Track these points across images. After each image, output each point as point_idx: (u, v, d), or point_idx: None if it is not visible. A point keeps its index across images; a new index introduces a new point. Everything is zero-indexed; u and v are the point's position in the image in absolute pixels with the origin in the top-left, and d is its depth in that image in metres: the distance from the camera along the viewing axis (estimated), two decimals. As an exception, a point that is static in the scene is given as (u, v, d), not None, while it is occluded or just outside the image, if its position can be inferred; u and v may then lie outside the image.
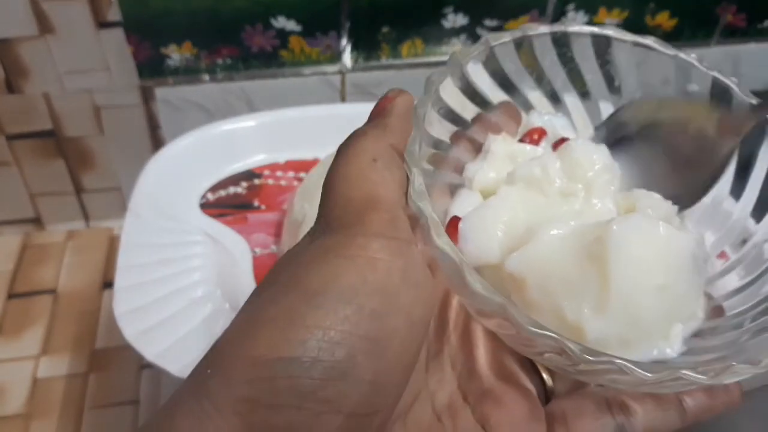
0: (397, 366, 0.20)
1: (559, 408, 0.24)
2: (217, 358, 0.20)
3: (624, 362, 0.20)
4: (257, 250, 0.51)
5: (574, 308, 0.23)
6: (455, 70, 0.26)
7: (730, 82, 0.27)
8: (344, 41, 0.61)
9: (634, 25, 0.66)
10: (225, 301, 0.45)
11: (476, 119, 0.28)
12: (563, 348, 0.20)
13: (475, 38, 0.64)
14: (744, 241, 0.28)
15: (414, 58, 0.64)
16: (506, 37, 0.27)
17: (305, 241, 0.22)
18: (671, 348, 0.24)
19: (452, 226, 0.24)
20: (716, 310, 0.26)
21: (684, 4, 0.66)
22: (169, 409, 0.20)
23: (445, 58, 0.67)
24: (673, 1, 0.65)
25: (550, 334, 0.20)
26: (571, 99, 0.30)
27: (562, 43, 0.28)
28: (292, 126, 0.58)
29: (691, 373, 0.20)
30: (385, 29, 0.61)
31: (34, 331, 0.60)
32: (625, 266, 0.23)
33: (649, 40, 0.28)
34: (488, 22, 0.63)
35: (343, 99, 0.65)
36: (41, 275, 0.65)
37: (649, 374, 0.20)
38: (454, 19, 0.62)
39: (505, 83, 0.28)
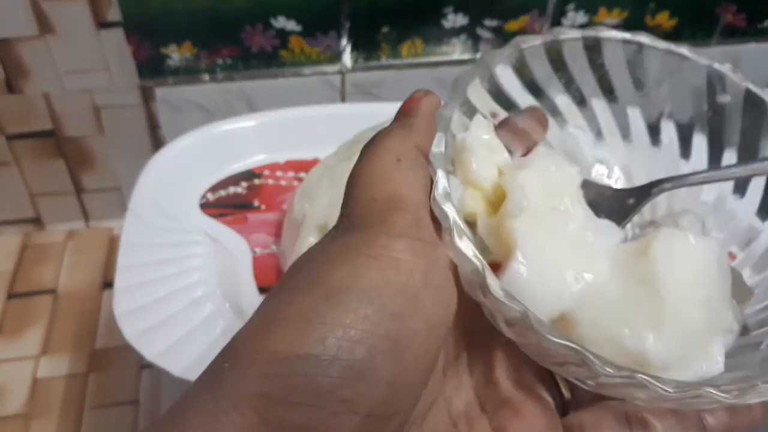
0: (416, 368, 0.20)
1: (577, 420, 0.24)
2: (233, 354, 0.20)
3: (645, 377, 0.19)
4: (257, 250, 0.51)
5: (635, 335, 0.22)
6: (483, 72, 0.26)
7: (764, 94, 0.27)
8: (344, 41, 0.61)
9: (633, 25, 0.66)
10: (225, 301, 0.45)
11: (502, 123, 0.28)
12: (584, 359, 0.19)
13: (475, 38, 0.64)
14: (750, 240, 0.28)
15: (414, 58, 0.64)
16: (537, 41, 0.26)
17: (326, 239, 0.22)
18: (715, 365, 0.23)
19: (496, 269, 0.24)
20: (743, 330, 0.26)
21: (684, 4, 0.66)
22: (182, 405, 0.19)
23: (445, 58, 0.68)
24: (673, 0, 0.65)
25: (571, 344, 0.20)
26: (599, 105, 0.29)
27: (593, 48, 0.28)
28: (292, 126, 0.58)
29: (713, 392, 0.20)
30: (385, 29, 0.61)
31: (34, 331, 0.60)
32: (675, 282, 0.23)
33: (683, 49, 0.27)
34: (488, 22, 0.63)
35: (343, 99, 0.65)
36: (41, 275, 0.65)
37: (670, 390, 0.19)
38: (454, 19, 0.62)
39: (532, 87, 0.28)
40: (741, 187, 0.28)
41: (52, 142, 0.62)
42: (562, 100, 0.29)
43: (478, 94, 0.25)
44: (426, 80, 0.64)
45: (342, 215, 0.22)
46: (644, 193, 0.27)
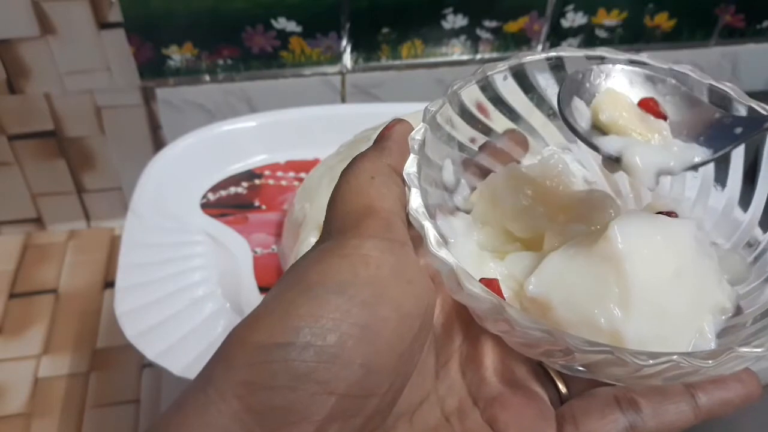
0: (389, 353, 0.22)
1: (568, 409, 0.25)
2: (221, 348, 0.22)
3: (618, 349, 0.20)
4: (258, 249, 0.51)
5: (605, 313, 0.23)
6: (453, 99, 0.27)
7: (727, 87, 0.28)
8: (344, 42, 0.62)
9: (633, 25, 0.66)
10: (226, 300, 0.45)
11: (483, 147, 0.30)
12: (557, 339, 0.20)
13: (474, 39, 0.64)
14: (751, 246, 0.28)
15: (414, 58, 0.64)
16: (501, 66, 0.28)
17: (311, 249, 0.24)
18: (706, 342, 0.24)
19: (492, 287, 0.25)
20: (739, 308, 0.26)
21: (683, 5, 0.66)
22: (181, 399, 0.21)
23: (444, 58, 0.68)
24: (671, 1, 0.65)
25: (543, 327, 0.20)
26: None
27: (557, 67, 0.29)
28: (292, 126, 0.58)
29: (688, 360, 0.20)
30: (385, 30, 0.62)
31: (35, 330, 0.60)
32: (637, 258, 0.23)
33: (643, 56, 0.28)
34: (487, 23, 0.63)
35: (343, 99, 0.66)
36: (42, 275, 0.65)
37: (645, 360, 0.20)
38: (454, 20, 0.62)
39: (506, 110, 0.29)
40: (746, 199, 0.29)
41: (54, 143, 0.62)
42: (538, 120, 0.30)
43: (447, 118, 0.27)
44: (426, 81, 0.65)
45: (323, 230, 0.25)
46: (756, 124, 0.26)
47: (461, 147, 0.29)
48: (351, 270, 0.22)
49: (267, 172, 0.56)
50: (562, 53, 0.29)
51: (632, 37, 0.67)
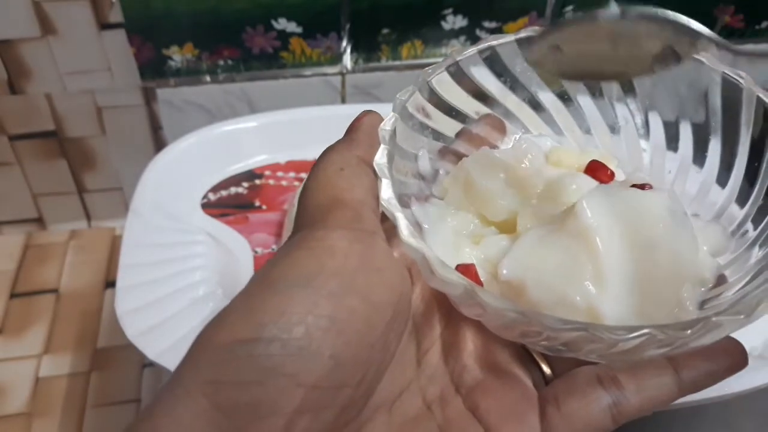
0: (358, 343, 0.21)
1: (551, 390, 0.24)
2: (190, 350, 0.21)
3: (594, 326, 0.20)
4: (258, 249, 0.51)
5: (579, 291, 0.23)
6: (423, 87, 0.27)
7: (702, 57, 0.28)
8: (344, 42, 0.62)
9: (632, 26, 0.66)
10: (226, 300, 0.45)
11: (459, 133, 0.29)
12: (533, 321, 0.20)
13: (474, 39, 0.64)
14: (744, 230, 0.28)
15: (414, 59, 0.64)
16: (471, 50, 0.28)
17: (281, 246, 0.24)
18: (687, 314, 0.23)
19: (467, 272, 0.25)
20: (720, 278, 0.26)
21: (681, 5, 0.65)
22: (151, 402, 0.21)
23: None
24: (670, 2, 0.65)
25: (516, 308, 0.20)
26: (550, 102, 0.30)
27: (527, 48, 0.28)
28: (292, 127, 0.58)
29: (666, 332, 0.19)
30: (385, 31, 0.62)
31: (36, 330, 0.60)
32: (607, 231, 0.23)
33: None
34: (487, 24, 0.63)
35: (343, 100, 0.66)
36: (43, 275, 0.65)
37: (621, 335, 0.19)
38: (454, 21, 0.62)
39: (480, 95, 0.29)
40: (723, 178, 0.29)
41: (55, 143, 0.63)
42: (514, 103, 0.30)
43: (419, 107, 0.27)
44: (426, 81, 0.65)
45: (294, 225, 0.24)
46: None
47: (436, 135, 0.28)
48: (316, 262, 0.21)
49: (267, 172, 0.57)
50: (531, 34, 0.28)
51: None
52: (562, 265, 0.23)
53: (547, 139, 0.31)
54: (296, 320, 0.20)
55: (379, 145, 0.24)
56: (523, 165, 0.28)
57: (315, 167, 0.25)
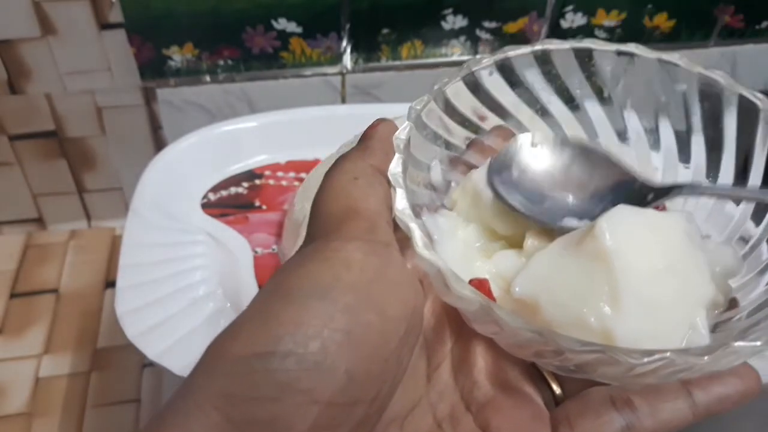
0: (373, 358, 0.21)
1: (563, 411, 0.24)
2: (202, 359, 0.21)
3: (611, 348, 0.20)
4: (258, 249, 0.51)
5: (594, 312, 0.22)
6: (439, 96, 0.27)
7: (717, 75, 0.28)
8: (344, 43, 0.62)
9: (632, 26, 0.66)
10: (226, 300, 0.45)
11: (471, 144, 0.29)
12: (547, 339, 0.20)
13: (474, 40, 0.64)
14: (745, 241, 0.28)
15: (414, 59, 0.64)
16: (487, 61, 0.28)
17: (294, 254, 0.23)
18: (699, 337, 0.23)
19: (482, 288, 0.25)
20: (731, 302, 0.26)
21: (682, 5, 0.66)
22: (160, 412, 0.20)
23: (444, 59, 0.68)
24: (671, 2, 0.65)
25: (533, 328, 0.20)
26: (562, 114, 0.30)
27: (544, 60, 0.29)
28: (292, 127, 0.58)
29: (683, 356, 0.19)
30: (385, 31, 0.62)
31: (36, 330, 0.60)
32: (625, 254, 0.23)
33: (631, 47, 0.28)
34: (487, 24, 0.63)
35: (343, 100, 0.66)
36: (43, 275, 0.65)
37: (638, 359, 0.19)
38: (454, 21, 0.62)
39: (493, 106, 0.29)
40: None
41: (55, 143, 0.63)
42: (526, 116, 0.30)
43: (433, 116, 0.27)
44: (426, 81, 0.65)
45: (307, 234, 0.24)
46: (662, 192, 0.28)
47: (448, 145, 0.28)
48: (332, 273, 0.21)
49: (267, 172, 0.57)
50: (548, 46, 0.28)
51: (631, 37, 0.67)
52: (578, 286, 0.23)
53: None
54: (312, 334, 0.20)
55: (394, 154, 0.24)
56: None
57: (329, 175, 0.25)
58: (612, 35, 0.67)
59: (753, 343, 0.20)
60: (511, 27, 0.64)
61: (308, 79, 0.63)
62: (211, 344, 0.21)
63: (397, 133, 0.25)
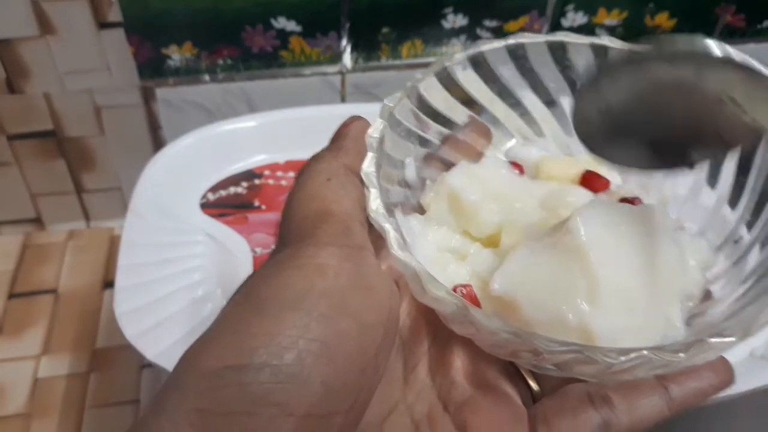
0: (350, 368, 0.20)
1: (541, 408, 0.24)
2: (173, 374, 0.20)
3: (588, 347, 0.19)
4: (258, 249, 0.51)
5: (572, 309, 0.22)
6: (412, 93, 0.26)
7: (605, 41, 0.27)
8: (344, 42, 0.61)
9: (633, 25, 0.66)
10: (225, 300, 0.45)
11: (445, 140, 0.29)
12: (527, 342, 0.20)
13: (474, 38, 0.64)
14: (735, 242, 0.28)
15: (414, 58, 0.64)
16: (460, 56, 0.27)
17: (267, 262, 0.23)
18: (675, 330, 0.23)
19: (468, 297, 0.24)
20: (705, 294, 0.26)
21: (683, 5, 0.66)
22: (133, 428, 0.20)
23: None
24: (672, 1, 0.65)
25: (510, 329, 0.20)
26: (536, 108, 0.30)
27: (518, 55, 0.28)
28: (292, 126, 0.58)
29: (660, 354, 0.19)
30: (385, 30, 0.61)
31: (34, 330, 0.60)
32: (600, 248, 0.23)
33: (605, 40, 0.28)
34: (488, 23, 0.63)
35: (343, 99, 0.66)
36: (42, 275, 0.65)
37: (615, 358, 0.19)
38: (454, 20, 0.62)
39: (468, 101, 0.29)
40: (735, 195, 0.28)
41: (53, 142, 0.62)
42: (500, 109, 0.30)
43: (407, 113, 0.26)
44: (426, 80, 0.65)
45: (279, 238, 0.23)
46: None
47: (422, 142, 0.28)
48: (306, 281, 0.20)
49: (267, 172, 0.56)
50: (521, 40, 0.28)
51: (633, 36, 0.67)
52: (555, 282, 0.23)
53: (532, 149, 0.30)
54: (287, 344, 0.19)
55: (367, 153, 0.24)
56: (501, 179, 0.28)
57: (300, 177, 0.24)
58: (613, 34, 0.66)
59: (728, 339, 0.20)
60: (512, 26, 0.63)
61: (308, 79, 0.63)
62: (182, 356, 0.21)
63: (370, 131, 0.24)
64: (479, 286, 0.26)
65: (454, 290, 0.22)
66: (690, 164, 0.23)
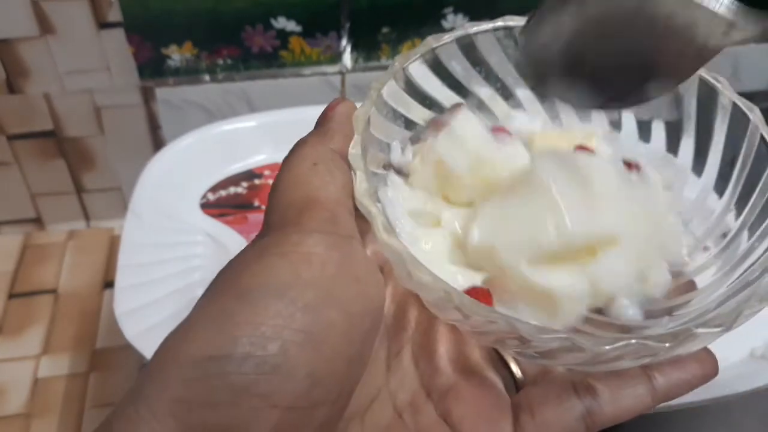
0: (336, 359, 0.20)
1: (525, 396, 0.24)
2: (153, 362, 0.20)
3: (576, 337, 0.19)
4: (257, 249, 0.51)
5: (546, 235, 0.23)
6: (398, 74, 0.26)
7: (717, 82, 0.27)
8: (344, 42, 0.61)
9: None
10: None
11: (431, 123, 0.28)
12: (514, 329, 0.20)
13: (474, 39, 0.64)
14: (724, 236, 0.28)
15: (414, 58, 0.64)
16: (448, 38, 0.27)
17: (247, 246, 0.22)
18: (662, 275, 0.24)
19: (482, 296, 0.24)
20: (688, 285, 0.26)
21: (683, 5, 0.66)
22: (108, 418, 0.19)
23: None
24: (672, 1, 0.65)
25: (498, 316, 0.20)
26: (524, 93, 0.30)
27: (505, 37, 0.28)
28: (292, 126, 0.57)
29: (647, 343, 0.19)
30: (385, 30, 0.61)
31: (34, 330, 0.60)
32: (563, 182, 0.23)
33: None
34: (488, 23, 0.63)
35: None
36: (42, 275, 0.65)
37: (605, 347, 0.19)
38: (454, 20, 0.62)
39: (455, 84, 0.28)
40: (721, 185, 0.29)
41: (53, 142, 0.62)
42: (486, 93, 0.29)
43: (394, 94, 0.26)
44: (426, 80, 0.65)
45: (263, 224, 0.23)
46: None
47: (408, 124, 0.28)
48: (292, 270, 0.20)
49: (267, 172, 0.56)
50: (510, 23, 0.28)
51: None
52: (526, 221, 0.23)
53: (523, 117, 0.31)
54: (271, 335, 0.19)
55: (353, 136, 0.23)
56: (486, 153, 0.28)
57: (287, 162, 0.23)
58: (613, 34, 0.66)
59: (715, 329, 0.20)
60: (512, 26, 0.63)
61: (308, 79, 0.63)
62: (163, 344, 0.20)
63: (356, 112, 0.24)
64: (454, 242, 0.26)
65: (468, 293, 0.21)
66: (643, 99, 0.23)
